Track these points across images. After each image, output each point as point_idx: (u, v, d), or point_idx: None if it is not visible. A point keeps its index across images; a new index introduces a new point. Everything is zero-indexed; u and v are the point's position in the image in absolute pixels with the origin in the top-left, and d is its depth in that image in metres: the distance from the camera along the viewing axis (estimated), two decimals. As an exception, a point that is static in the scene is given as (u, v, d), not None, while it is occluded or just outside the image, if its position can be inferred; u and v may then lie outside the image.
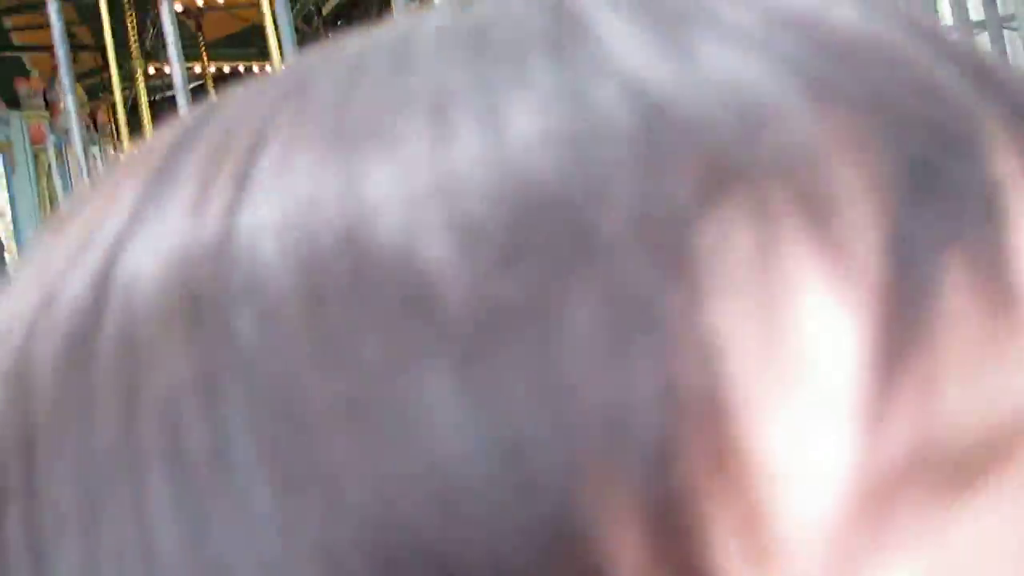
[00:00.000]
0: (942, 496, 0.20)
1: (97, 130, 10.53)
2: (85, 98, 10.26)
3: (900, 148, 0.21)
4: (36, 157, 8.63)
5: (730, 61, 0.22)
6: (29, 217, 7.84)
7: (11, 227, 8.30)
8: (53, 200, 8.63)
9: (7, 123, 8.60)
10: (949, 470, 0.20)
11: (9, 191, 8.08)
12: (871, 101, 0.22)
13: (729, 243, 0.20)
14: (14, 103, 8.33)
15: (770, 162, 0.21)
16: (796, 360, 0.20)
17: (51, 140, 9.17)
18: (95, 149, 10.67)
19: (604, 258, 0.20)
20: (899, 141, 0.21)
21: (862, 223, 0.21)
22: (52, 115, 9.22)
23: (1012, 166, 0.22)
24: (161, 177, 0.23)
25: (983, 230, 0.21)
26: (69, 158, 9.30)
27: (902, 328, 0.20)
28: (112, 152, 9.96)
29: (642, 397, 0.19)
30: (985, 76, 0.23)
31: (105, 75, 7.40)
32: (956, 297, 0.20)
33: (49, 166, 9.05)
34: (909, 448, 0.20)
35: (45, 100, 9.25)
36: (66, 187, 9.03)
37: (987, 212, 0.21)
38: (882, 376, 0.20)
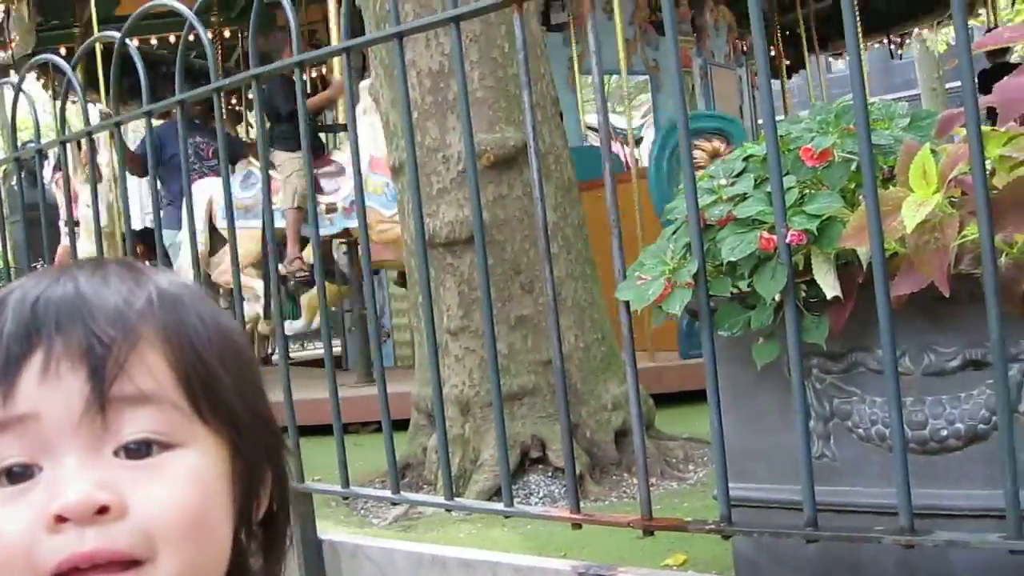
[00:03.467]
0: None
1: (744, 53, 11.62)
2: (734, 23, 10.93)
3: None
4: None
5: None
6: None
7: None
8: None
9: (656, 47, 9.42)
10: None
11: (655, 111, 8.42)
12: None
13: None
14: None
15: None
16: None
17: (696, 63, 10.04)
18: (741, 71, 11.52)
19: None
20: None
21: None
22: (699, 40, 10.21)
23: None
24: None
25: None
26: (714, 80, 10.30)
27: None
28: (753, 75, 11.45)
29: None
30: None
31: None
32: None
33: (693, 87, 9.89)
34: None
35: (693, 25, 10.09)
36: (709, 107, 9.91)
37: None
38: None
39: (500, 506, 2.87)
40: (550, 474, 4.44)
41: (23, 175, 4.65)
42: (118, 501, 0.80)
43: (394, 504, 3.90)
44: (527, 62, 2.60)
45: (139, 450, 0.82)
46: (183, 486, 0.83)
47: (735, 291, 2.40)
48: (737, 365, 2.58)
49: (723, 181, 2.47)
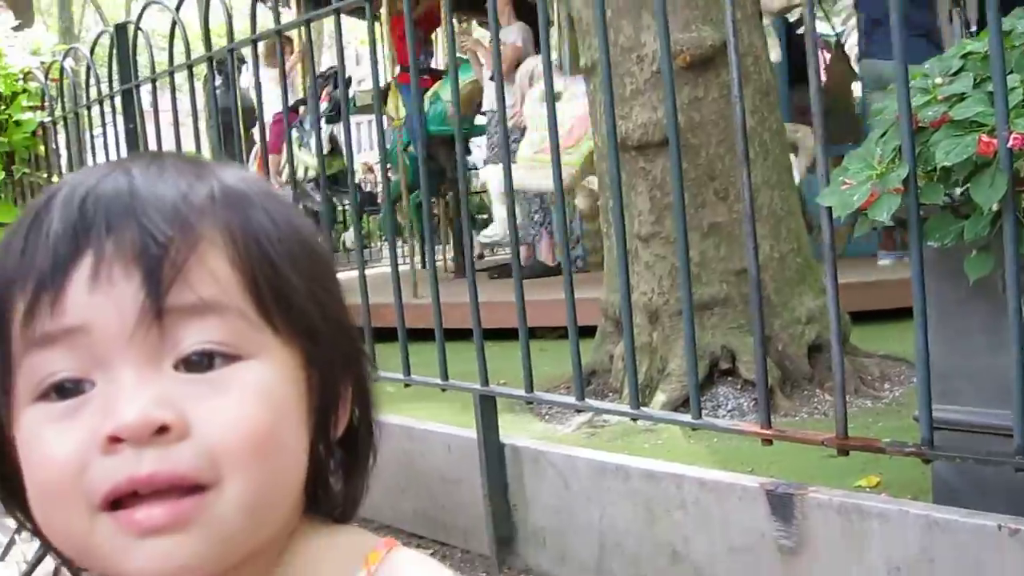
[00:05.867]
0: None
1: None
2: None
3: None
4: None
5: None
6: None
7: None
8: None
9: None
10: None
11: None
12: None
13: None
14: None
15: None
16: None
17: None
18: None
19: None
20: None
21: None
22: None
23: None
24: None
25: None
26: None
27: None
28: None
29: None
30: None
31: None
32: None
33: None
34: None
35: None
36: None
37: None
38: None
39: (687, 418, 2.79)
40: (739, 387, 4.33)
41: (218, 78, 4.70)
42: (179, 419, 0.72)
43: (578, 411, 3.86)
44: (729, -47, 2.46)
45: (201, 363, 0.74)
46: (250, 401, 0.75)
47: (948, 199, 2.24)
48: (946, 280, 2.43)
49: (939, 80, 2.30)
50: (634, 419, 2.99)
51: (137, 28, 5.01)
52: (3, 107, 6.33)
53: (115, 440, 0.71)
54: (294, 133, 8.48)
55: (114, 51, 5.16)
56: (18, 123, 6.33)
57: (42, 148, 6.48)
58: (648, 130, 4.38)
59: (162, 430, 0.72)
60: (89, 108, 5.61)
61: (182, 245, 0.74)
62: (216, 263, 0.75)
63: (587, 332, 4.17)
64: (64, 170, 6.20)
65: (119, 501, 0.72)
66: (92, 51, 5.54)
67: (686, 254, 2.70)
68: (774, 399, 4.06)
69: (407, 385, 3.62)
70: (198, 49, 4.54)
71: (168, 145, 4.87)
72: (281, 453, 0.77)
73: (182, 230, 0.74)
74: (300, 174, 8.84)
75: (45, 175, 6.39)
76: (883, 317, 5.54)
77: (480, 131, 9.60)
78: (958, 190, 2.20)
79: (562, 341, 3.34)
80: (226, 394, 0.74)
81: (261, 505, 0.75)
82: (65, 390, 0.74)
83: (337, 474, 0.87)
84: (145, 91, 5.23)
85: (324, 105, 8.64)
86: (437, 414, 4.01)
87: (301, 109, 9.48)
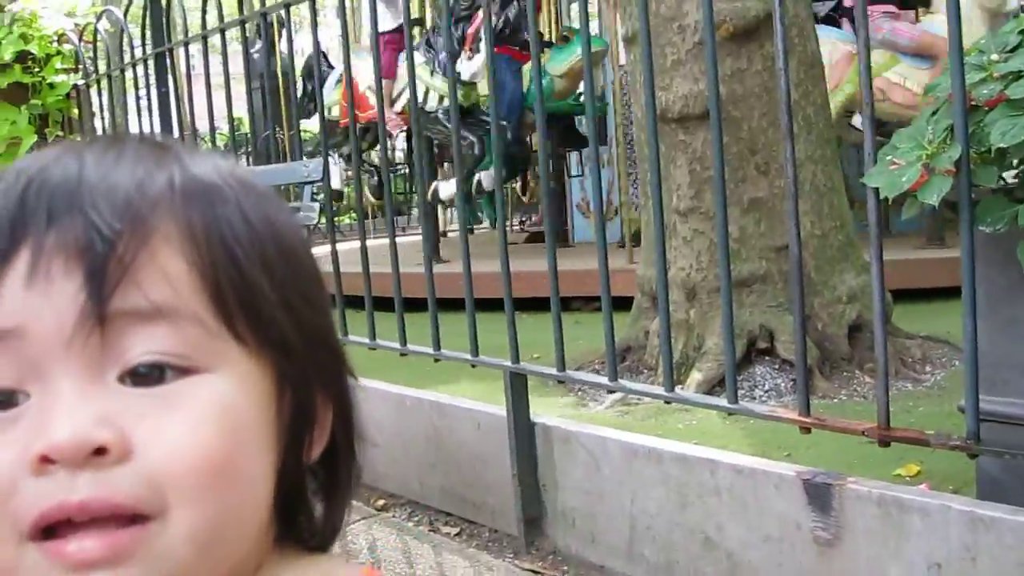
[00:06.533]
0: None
1: None
2: None
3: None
4: None
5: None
6: None
7: None
8: None
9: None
10: None
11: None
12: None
13: None
14: None
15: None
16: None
17: None
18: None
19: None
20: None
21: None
22: None
23: None
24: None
25: None
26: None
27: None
28: None
29: None
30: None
31: None
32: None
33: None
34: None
35: None
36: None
37: None
38: None
39: (723, 402, 2.70)
40: (777, 366, 4.23)
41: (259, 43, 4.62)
42: (119, 440, 0.63)
43: (611, 392, 3.77)
44: (776, -81, 2.36)
45: (149, 375, 0.65)
46: (204, 421, 0.65)
47: (1002, 182, 2.13)
48: (996, 265, 2.32)
49: (995, 57, 2.19)
50: (668, 401, 2.91)
51: (171, -10, 4.94)
52: (37, 69, 6.30)
53: (47, 461, 0.63)
54: (420, 57, 7.81)
55: (147, 14, 5.10)
56: (52, 85, 6.30)
57: (76, 111, 6.45)
58: (689, 102, 4.27)
59: (100, 451, 0.63)
60: (123, 71, 5.55)
61: (132, 240, 0.65)
62: (170, 262, 0.66)
63: (624, 304, 4.09)
64: (100, 133, 6.15)
65: (52, 529, 0.63)
66: (126, 13, 5.48)
67: (725, 229, 2.61)
68: (812, 380, 3.96)
69: (437, 360, 3.54)
70: (235, 12, 4.47)
71: (201, 109, 4.80)
72: (238, 481, 0.67)
73: (132, 224, 0.65)
74: (433, 103, 8.35)
75: (78, 138, 6.34)
76: (924, 296, 5.43)
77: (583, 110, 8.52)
78: (1013, 172, 2.10)
79: (598, 314, 3.26)
80: (176, 412, 0.65)
81: (213, 539, 0.66)
82: None
83: (316, 498, 0.78)
84: (184, 53, 5.17)
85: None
86: (466, 388, 3.94)
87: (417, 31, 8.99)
